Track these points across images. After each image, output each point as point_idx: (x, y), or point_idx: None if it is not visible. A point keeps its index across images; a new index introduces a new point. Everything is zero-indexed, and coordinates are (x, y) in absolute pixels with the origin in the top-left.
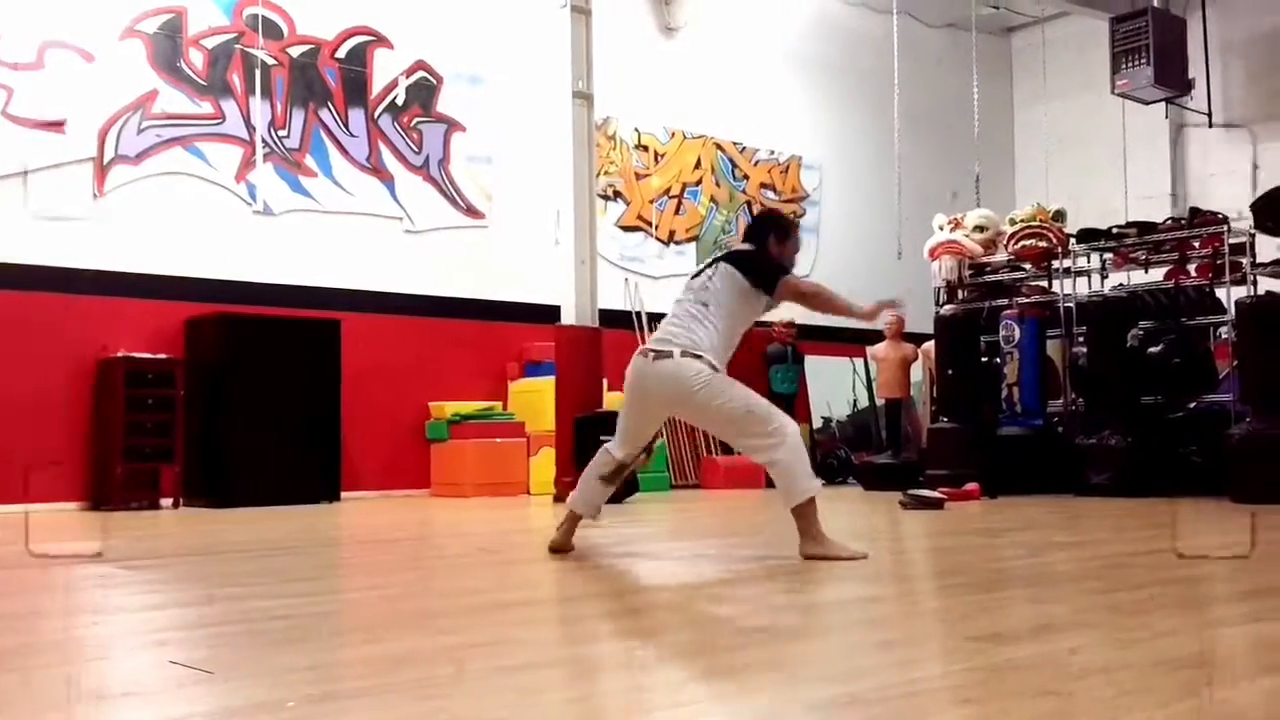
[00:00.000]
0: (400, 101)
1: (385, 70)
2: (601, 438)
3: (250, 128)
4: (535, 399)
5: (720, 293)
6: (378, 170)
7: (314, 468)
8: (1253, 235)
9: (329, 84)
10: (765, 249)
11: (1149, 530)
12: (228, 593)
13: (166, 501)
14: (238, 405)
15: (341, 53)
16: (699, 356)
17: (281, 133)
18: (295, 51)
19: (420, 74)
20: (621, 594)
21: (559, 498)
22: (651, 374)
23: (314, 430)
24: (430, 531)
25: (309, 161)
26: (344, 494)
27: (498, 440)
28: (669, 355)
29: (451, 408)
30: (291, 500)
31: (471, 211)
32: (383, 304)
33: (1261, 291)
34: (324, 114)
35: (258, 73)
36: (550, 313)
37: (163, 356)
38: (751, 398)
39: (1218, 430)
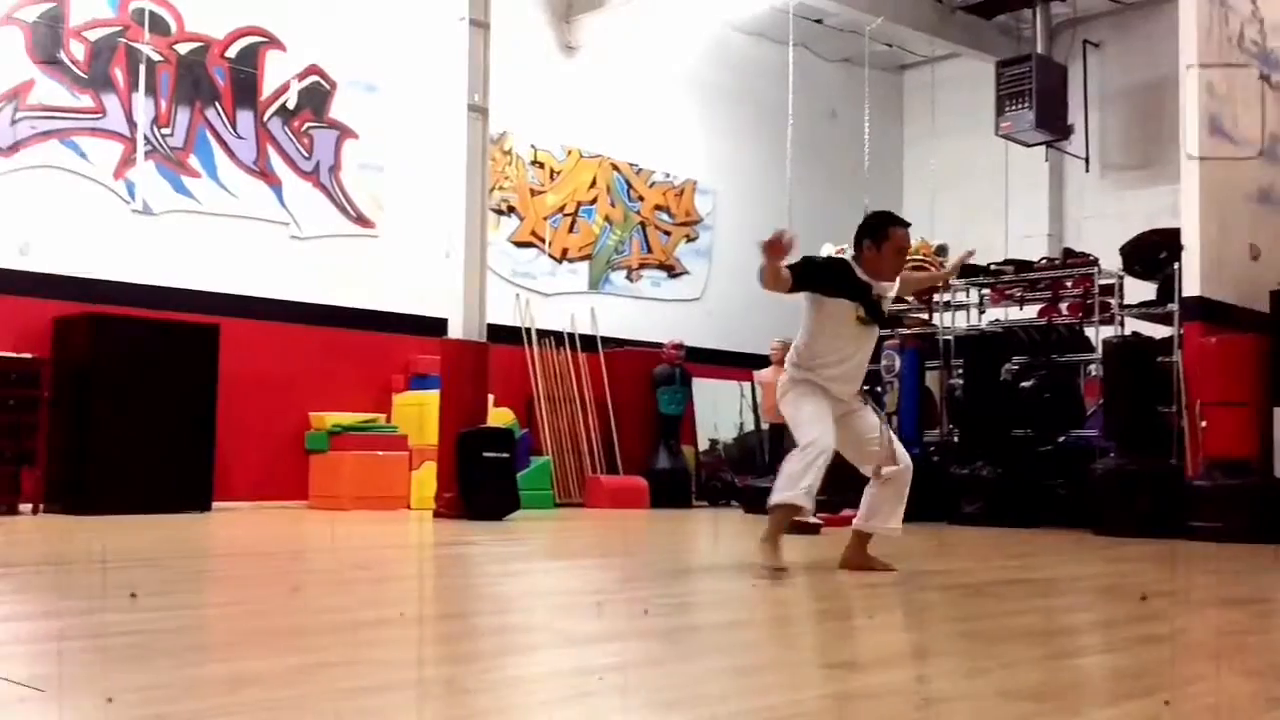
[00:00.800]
0: (291, 105)
1: (277, 73)
2: (485, 453)
3: (132, 124)
4: (420, 412)
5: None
6: (265, 174)
7: (185, 476)
8: (1121, 277)
9: (217, 83)
10: (861, 254)
11: (1012, 560)
12: (77, 605)
13: (26, 507)
14: (106, 409)
15: (232, 52)
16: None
17: (165, 131)
18: (183, 49)
19: (313, 78)
20: (487, 614)
21: (439, 513)
22: None
23: (186, 437)
24: (302, 545)
25: (193, 161)
26: (216, 504)
27: (379, 453)
28: None
29: (332, 418)
30: (159, 509)
31: (361, 220)
32: (265, 310)
33: (1128, 332)
34: (210, 114)
35: (142, 68)
36: (438, 325)
37: (27, 356)
38: (801, 414)
39: (1083, 464)
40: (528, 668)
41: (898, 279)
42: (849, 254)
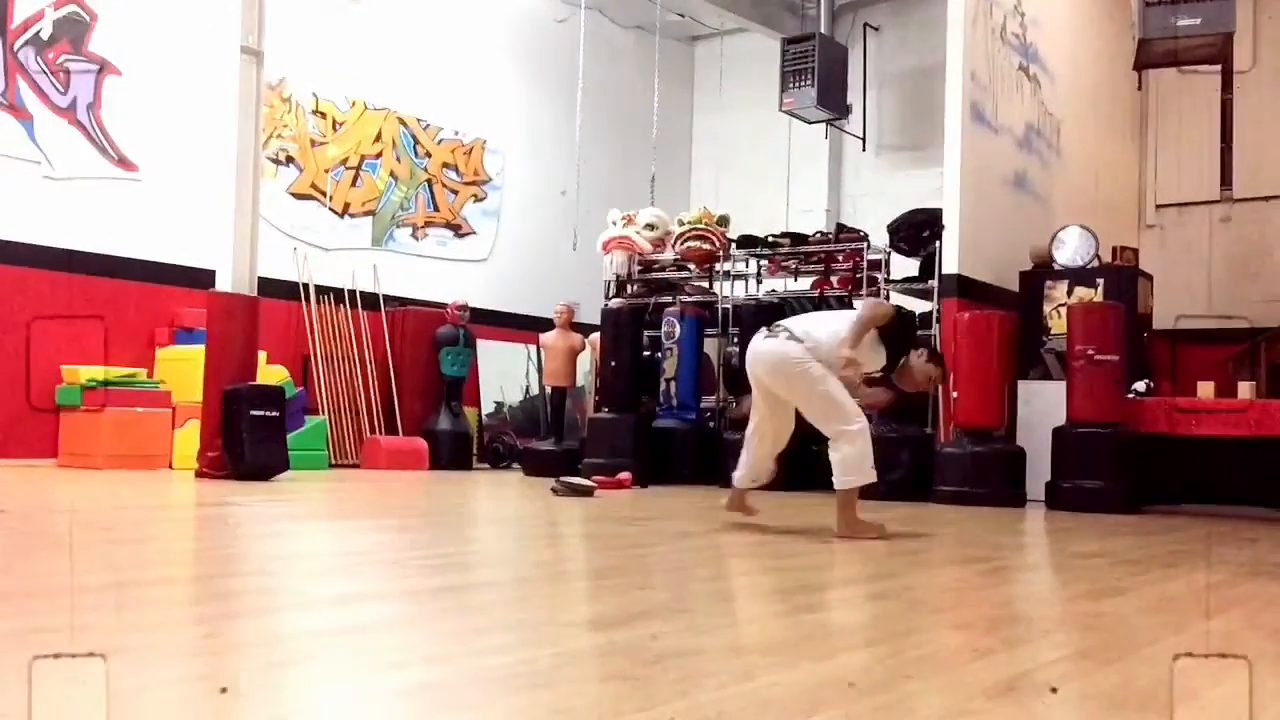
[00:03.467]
0: (46, 35)
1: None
2: (253, 411)
3: None
4: (185, 368)
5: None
6: (14, 108)
7: None
8: (888, 253)
9: None
10: (898, 357)
11: (772, 521)
12: None
13: None
14: None
15: None
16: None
17: None
18: None
19: (71, 8)
20: (231, 576)
21: (202, 473)
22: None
23: None
24: (38, 505)
25: None
26: None
27: (139, 410)
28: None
29: (87, 373)
30: None
31: (124, 163)
32: (12, 255)
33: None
34: None
35: None
36: (206, 277)
37: None
38: (833, 390)
39: None
40: (262, 630)
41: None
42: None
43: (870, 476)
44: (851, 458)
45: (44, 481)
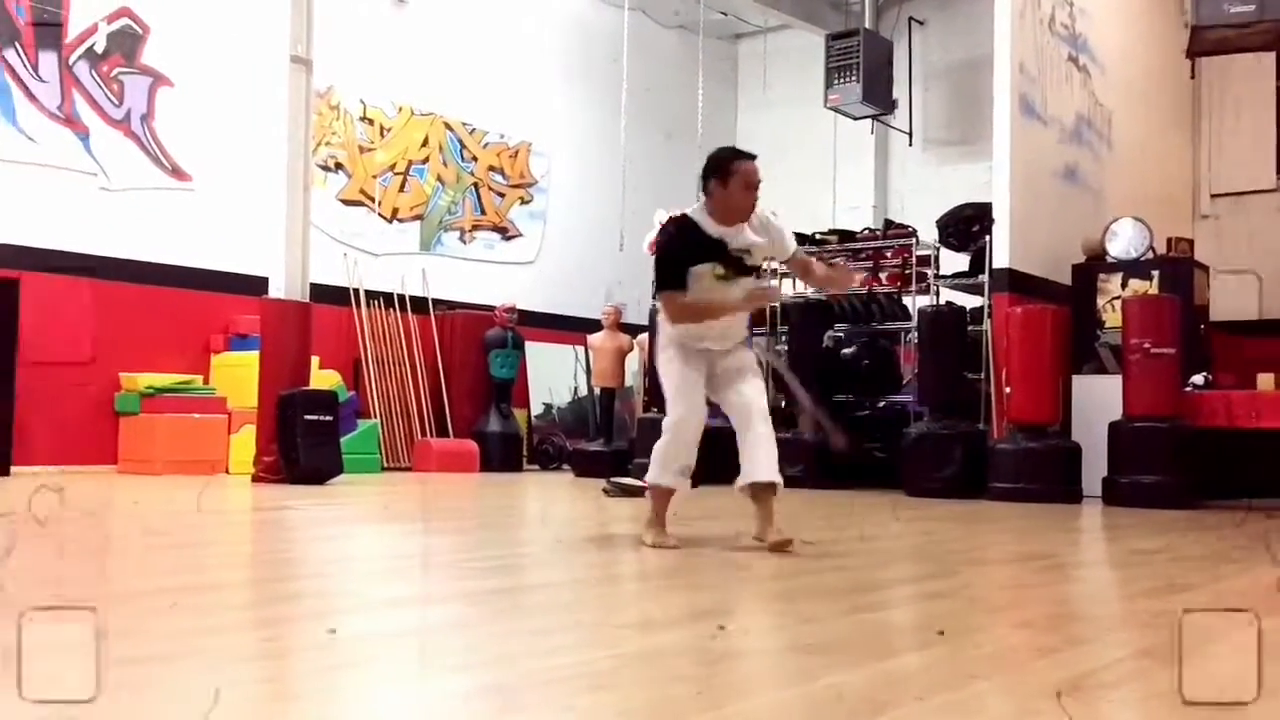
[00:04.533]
0: (100, 49)
1: (84, 13)
2: (306, 415)
3: None
4: (240, 374)
5: None
6: (71, 120)
7: None
8: (937, 249)
9: (17, 22)
10: (709, 197)
11: (823, 520)
12: None
13: None
14: None
15: None
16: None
17: None
18: None
19: (124, 21)
20: (291, 579)
21: (258, 477)
22: None
23: None
24: (102, 510)
25: None
26: (15, 468)
27: (195, 416)
28: None
29: (145, 380)
30: None
31: (177, 173)
32: (71, 265)
33: (942, 302)
34: (10, 55)
35: None
36: (259, 284)
37: None
38: (669, 383)
39: (900, 428)
40: (322, 633)
41: (766, 233)
42: (694, 207)
43: (672, 482)
44: (656, 456)
45: (105, 487)
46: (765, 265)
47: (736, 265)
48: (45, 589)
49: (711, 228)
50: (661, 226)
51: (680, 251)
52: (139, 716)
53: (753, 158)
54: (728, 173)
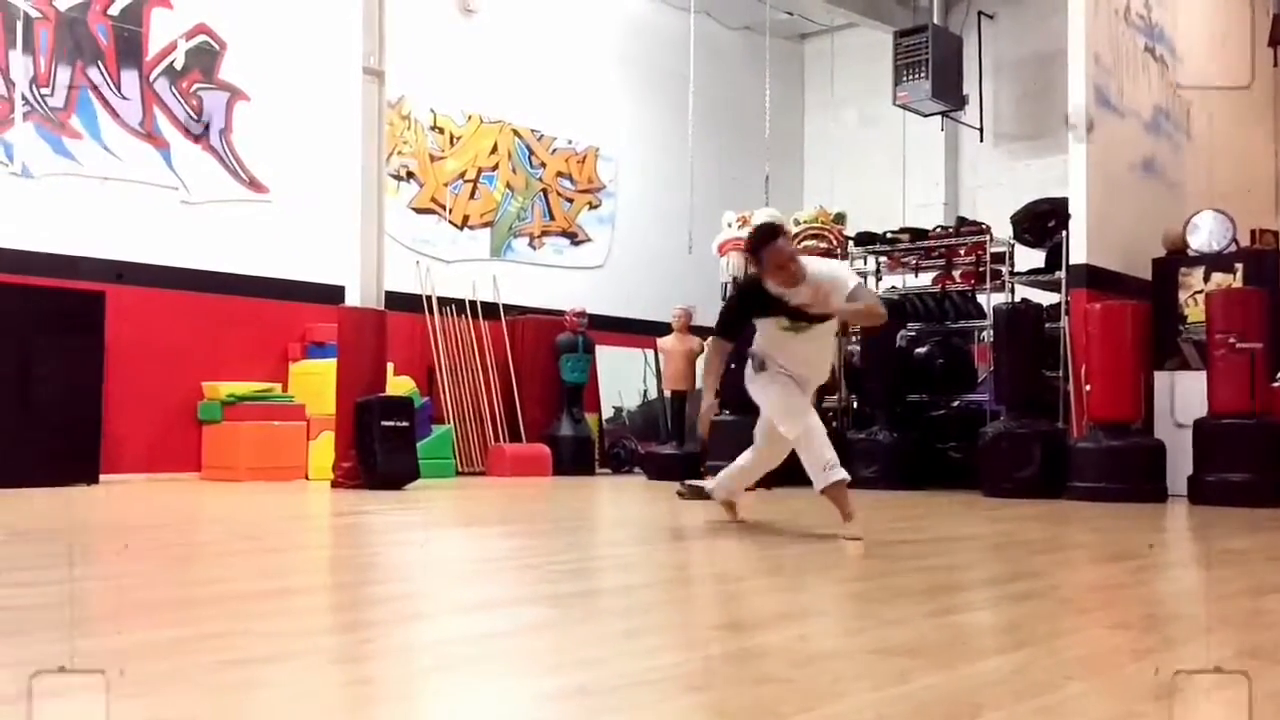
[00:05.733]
0: (179, 66)
1: (163, 32)
2: (383, 422)
3: (9, 84)
4: (318, 381)
5: None
6: (152, 136)
7: (71, 448)
8: (1012, 245)
9: (100, 42)
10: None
11: (901, 522)
12: None
13: None
14: None
15: (114, 9)
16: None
17: (44, 91)
18: (63, 5)
19: (202, 38)
20: (377, 583)
21: (337, 483)
22: None
23: (71, 408)
24: (191, 517)
25: (75, 123)
26: (104, 476)
27: (275, 423)
28: None
29: (226, 388)
30: (45, 482)
31: (254, 185)
32: (154, 277)
33: (1018, 299)
34: (93, 73)
35: (19, 25)
36: (336, 293)
37: None
38: (773, 400)
39: (975, 428)
40: (414, 636)
41: (815, 289)
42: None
43: (831, 478)
44: (813, 462)
45: (191, 494)
46: None
47: (798, 316)
48: (161, 590)
49: (773, 287)
50: (734, 279)
51: (740, 308)
52: (247, 718)
53: (780, 235)
54: (759, 260)
